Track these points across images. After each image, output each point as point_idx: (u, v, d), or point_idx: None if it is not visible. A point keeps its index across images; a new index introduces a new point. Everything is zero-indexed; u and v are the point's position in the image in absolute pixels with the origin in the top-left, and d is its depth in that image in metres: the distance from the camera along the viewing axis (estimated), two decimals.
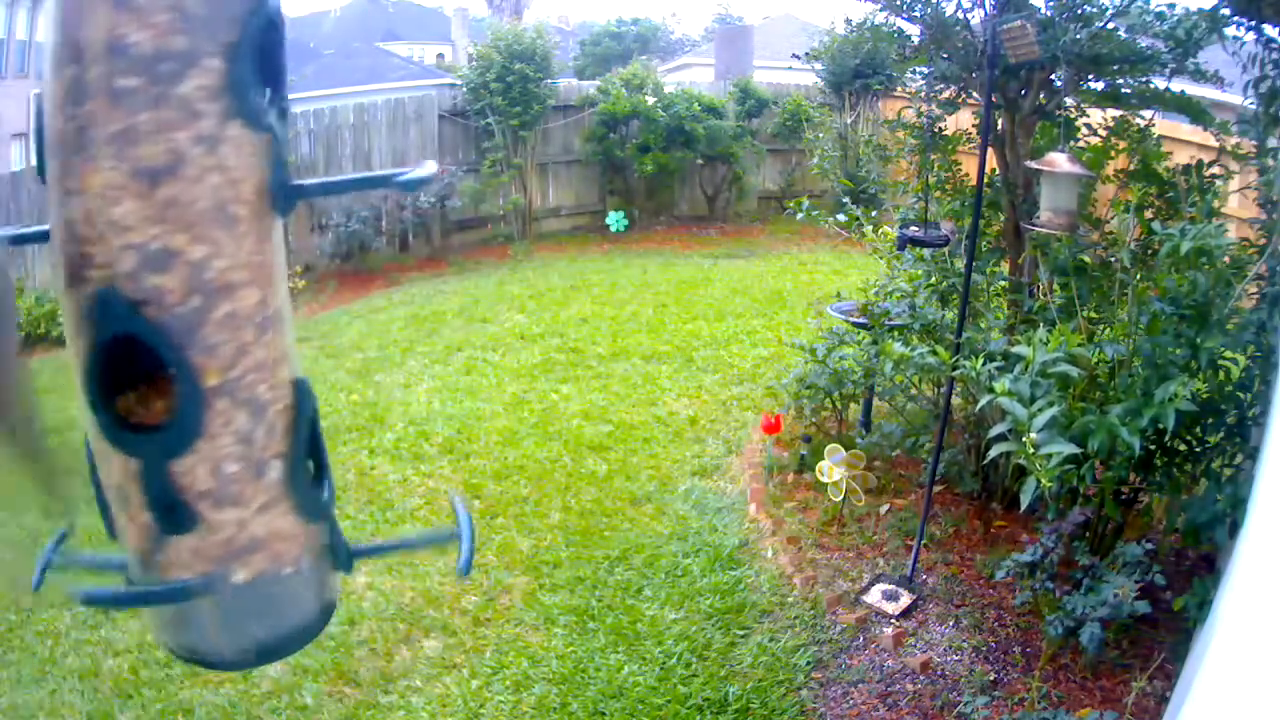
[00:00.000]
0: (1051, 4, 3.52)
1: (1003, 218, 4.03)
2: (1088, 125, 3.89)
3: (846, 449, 4.17)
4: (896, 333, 4.13)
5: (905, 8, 3.81)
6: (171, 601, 0.94)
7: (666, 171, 10.73)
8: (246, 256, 0.89)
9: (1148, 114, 3.81)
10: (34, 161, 0.86)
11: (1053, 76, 3.62)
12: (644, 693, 3.15)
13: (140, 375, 0.90)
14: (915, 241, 4.09)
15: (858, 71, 10.88)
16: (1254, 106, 3.17)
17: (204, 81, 0.84)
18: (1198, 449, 3.14)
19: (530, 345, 6.83)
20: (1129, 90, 3.68)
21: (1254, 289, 3.09)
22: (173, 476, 0.89)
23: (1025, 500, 2.53)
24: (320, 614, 1.03)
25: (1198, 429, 3.10)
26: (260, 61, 0.88)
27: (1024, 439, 2.46)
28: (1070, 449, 2.46)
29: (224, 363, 0.89)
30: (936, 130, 4.18)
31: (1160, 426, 2.66)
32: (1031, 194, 3.68)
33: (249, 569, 0.95)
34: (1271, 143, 3.21)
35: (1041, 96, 3.67)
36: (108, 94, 0.81)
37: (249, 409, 0.91)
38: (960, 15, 3.71)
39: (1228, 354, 3.00)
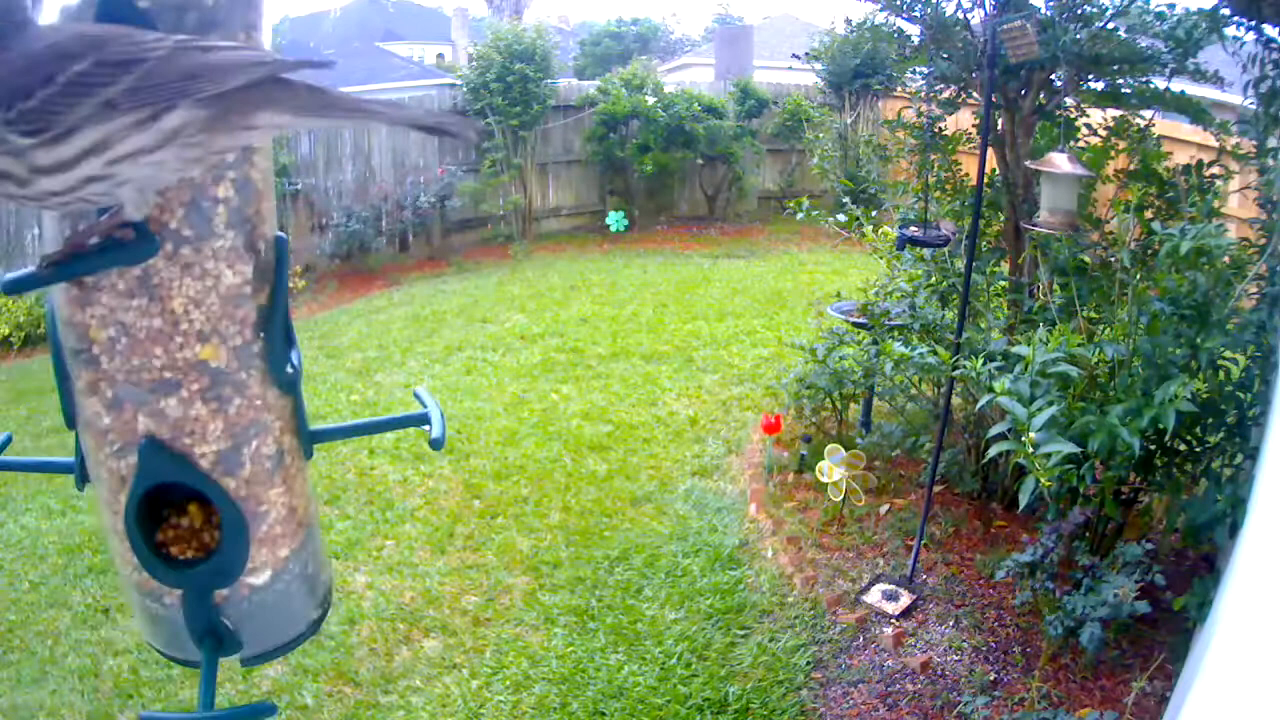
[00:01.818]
0: (1051, 4, 3.52)
1: (1003, 218, 4.03)
2: (1088, 125, 3.89)
3: (846, 449, 4.17)
4: (896, 333, 4.13)
5: (905, 8, 3.81)
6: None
7: (666, 171, 10.73)
8: None
9: (1148, 114, 3.81)
10: None
11: (1053, 76, 3.62)
12: (644, 693, 3.15)
13: None
14: (915, 241, 4.09)
15: (858, 71, 10.88)
16: (1254, 106, 3.17)
17: None
18: (1198, 449, 3.14)
19: (530, 345, 6.83)
20: (1129, 90, 3.68)
21: (1254, 289, 3.09)
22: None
23: (1024, 500, 2.53)
24: None
25: (1198, 429, 3.10)
26: None
27: (1023, 439, 2.46)
28: (1069, 448, 2.46)
29: None
30: (936, 130, 4.18)
31: (1160, 426, 2.66)
32: (1031, 194, 3.68)
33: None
34: (1271, 143, 3.21)
35: (1041, 96, 3.67)
36: None
37: None
38: (960, 15, 3.71)
39: (1228, 354, 3.00)
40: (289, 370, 0.91)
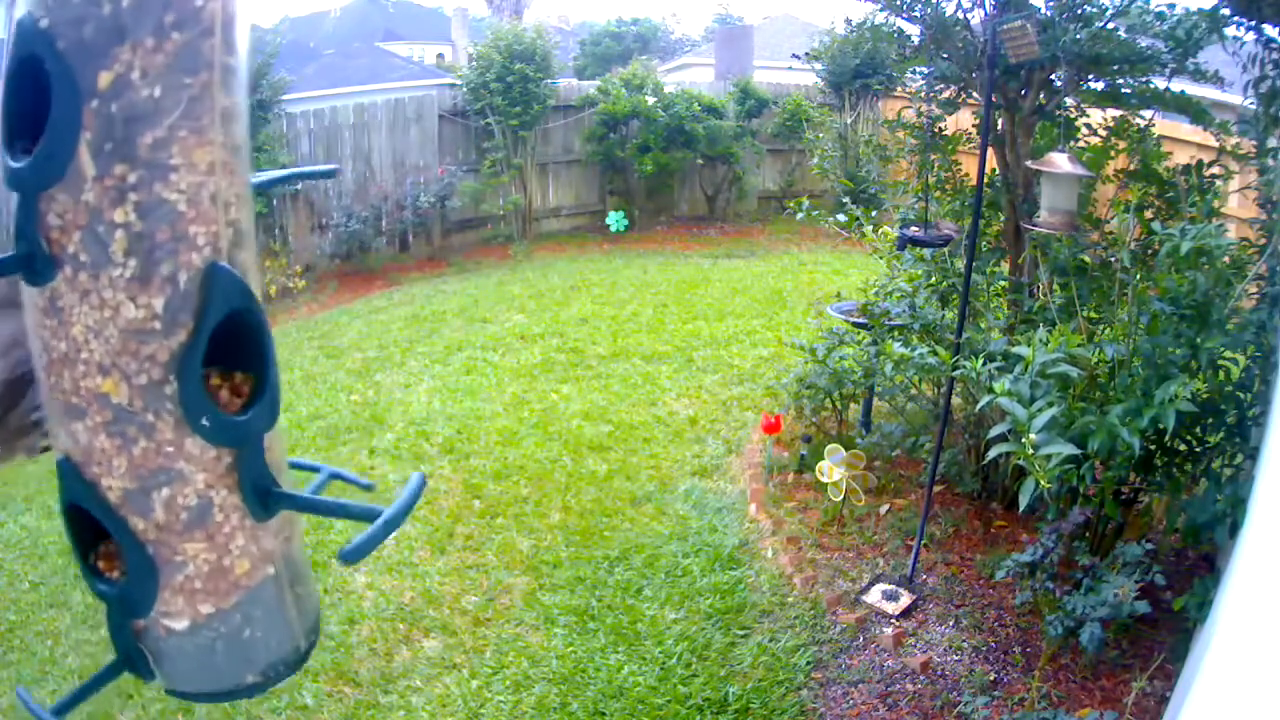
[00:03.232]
0: (1051, 4, 3.52)
1: (1003, 218, 4.03)
2: (1088, 125, 3.89)
3: (846, 449, 4.17)
4: (896, 333, 4.13)
5: (905, 8, 3.81)
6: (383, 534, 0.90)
7: (666, 171, 10.73)
8: None
9: (1148, 114, 3.81)
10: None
11: (1053, 76, 3.62)
12: (644, 693, 3.15)
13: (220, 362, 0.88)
14: (915, 241, 4.09)
15: (858, 71, 10.88)
16: (1254, 106, 3.18)
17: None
18: (1198, 449, 3.14)
19: (530, 345, 6.84)
20: (1129, 90, 3.68)
21: (1254, 289, 3.09)
22: (264, 453, 0.89)
23: (1024, 501, 2.53)
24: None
25: (1198, 429, 3.10)
26: None
27: (1024, 439, 2.46)
28: (1069, 449, 2.46)
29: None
30: (936, 130, 4.18)
31: (1160, 426, 2.66)
32: (1031, 194, 3.68)
33: (298, 534, 0.97)
34: (1271, 143, 3.21)
35: (1041, 96, 3.67)
36: (221, 69, 0.79)
37: None
38: (960, 15, 3.71)
39: (1228, 354, 3.00)
40: (204, 423, 0.82)
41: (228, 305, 0.82)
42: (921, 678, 3.16)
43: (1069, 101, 3.75)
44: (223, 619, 0.89)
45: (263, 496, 0.88)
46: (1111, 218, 3.82)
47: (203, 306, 0.80)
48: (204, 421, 0.82)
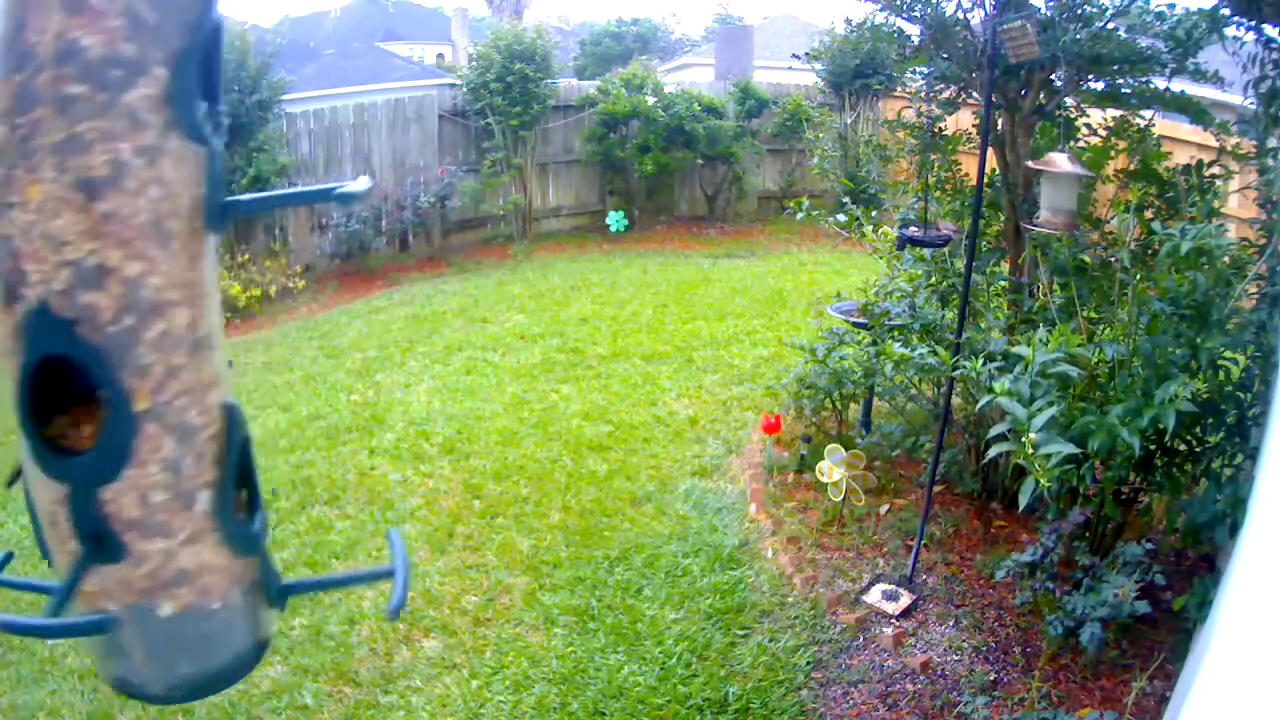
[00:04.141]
0: (1051, 4, 3.52)
1: (1003, 218, 4.03)
2: (1088, 125, 3.89)
3: (846, 449, 4.17)
4: (896, 333, 4.13)
5: (905, 8, 3.81)
6: (93, 633, 0.91)
7: (666, 171, 10.73)
8: (180, 275, 0.86)
9: (1148, 114, 3.81)
10: None
11: (1053, 76, 3.62)
12: (644, 693, 3.15)
13: (70, 397, 0.87)
14: (915, 241, 4.09)
15: (858, 71, 10.88)
16: (1254, 106, 3.17)
17: (149, 91, 0.81)
18: (1198, 449, 3.14)
19: (530, 345, 6.83)
20: (1129, 90, 3.68)
21: (1254, 289, 3.09)
22: (100, 504, 0.87)
23: (1024, 500, 2.53)
24: (253, 650, 1.01)
25: (1198, 429, 3.10)
26: (202, 73, 0.85)
27: (1023, 439, 2.46)
28: (1069, 449, 2.46)
29: (154, 385, 0.86)
30: (936, 130, 4.18)
31: (1160, 427, 2.66)
32: (1031, 194, 3.68)
33: (175, 602, 0.92)
34: (1271, 143, 3.21)
35: (1041, 96, 3.67)
36: (54, 101, 0.78)
37: (178, 435, 0.88)
38: (960, 15, 3.71)
39: (1228, 354, 3.00)
40: (25, 445, 0.85)
41: (43, 349, 0.82)
42: (921, 678, 3.16)
43: (1069, 101, 3.75)
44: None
45: (92, 542, 0.87)
46: (1111, 218, 3.82)
47: (24, 344, 0.82)
48: (24, 444, 0.86)
